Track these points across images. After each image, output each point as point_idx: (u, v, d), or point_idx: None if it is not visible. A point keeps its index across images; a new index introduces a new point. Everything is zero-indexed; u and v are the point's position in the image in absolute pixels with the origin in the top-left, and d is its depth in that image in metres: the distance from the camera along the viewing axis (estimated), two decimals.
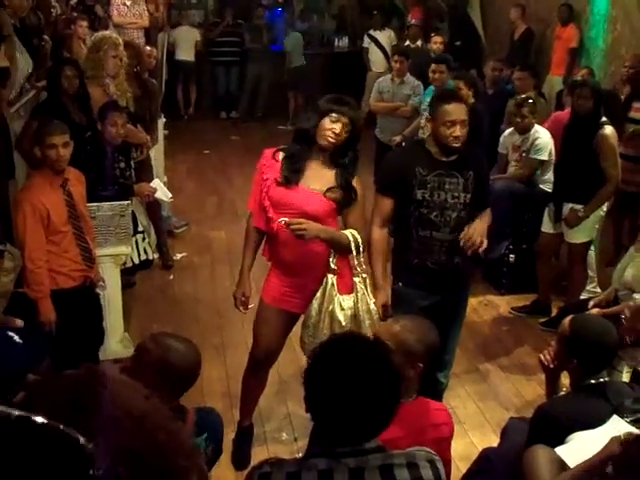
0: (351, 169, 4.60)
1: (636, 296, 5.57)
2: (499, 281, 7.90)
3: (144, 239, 7.30)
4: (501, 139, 7.98)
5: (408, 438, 3.02)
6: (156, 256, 8.02)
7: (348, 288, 4.58)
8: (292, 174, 4.53)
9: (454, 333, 5.03)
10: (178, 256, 8.45)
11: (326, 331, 4.51)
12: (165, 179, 9.36)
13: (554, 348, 3.93)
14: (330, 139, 4.47)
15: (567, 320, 3.83)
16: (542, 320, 7.14)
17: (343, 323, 4.52)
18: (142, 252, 7.27)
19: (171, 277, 8.03)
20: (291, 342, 5.28)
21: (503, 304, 7.62)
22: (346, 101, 4.55)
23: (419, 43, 12.27)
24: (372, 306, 4.62)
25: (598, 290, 6.85)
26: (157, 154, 9.07)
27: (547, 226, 7.13)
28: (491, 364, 6.52)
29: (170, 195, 7.62)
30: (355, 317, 4.56)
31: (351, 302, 4.55)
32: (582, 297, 6.70)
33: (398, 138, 8.65)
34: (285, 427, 5.49)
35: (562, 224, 6.93)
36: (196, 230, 9.26)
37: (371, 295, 4.65)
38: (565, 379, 3.97)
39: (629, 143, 7.76)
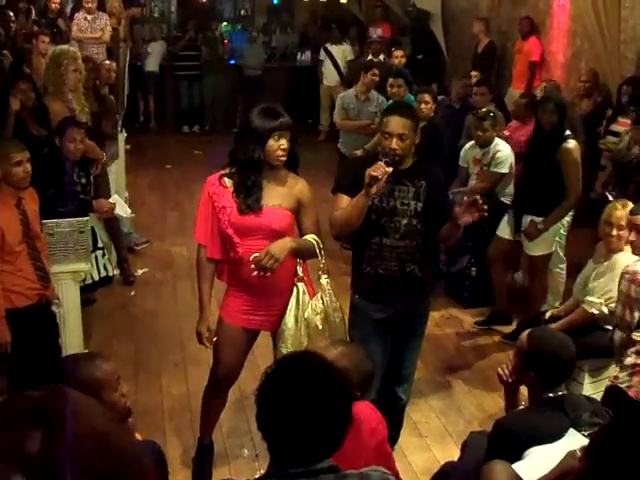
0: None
1: (589, 298, 5.63)
2: (461, 295, 7.92)
3: (104, 255, 7.25)
4: (462, 153, 8.01)
5: (353, 455, 2.98)
6: (117, 272, 7.98)
7: (312, 291, 4.62)
8: (254, 202, 4.48)
9: (412, 348, 5.00)
10: (139, 272, 8.38)
11: (304, 339, 4.51)
12: (126, 194, 9.31)
13: (512, 362, 3.94)
14: (282, 158, 4.47)
15: (525, 334, 3.84)
16: (504, 333, 7.16)
17: (320, 327, 4.53)
18: (102, 268, 7.23)
19: (132, 293, 7.96)
20: (253, 358, 5.26)
21: (466, 318, 7.63)
22: (278, 112, 4.48)
23: (382, 57, 12.30)
24: (337, 304, 4.63)
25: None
26: (118, 169, 9.01)
27: (504, 231, 7.15)
28: (454, 378, 6.52)
29: (129, 211, 7.57)
30: (327, 318, 4.57)
31: (321, 304, 4.56)
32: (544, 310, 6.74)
33: (359, 152, 8.65)
34: (246, 443, 5.45)
35: (521, 236, 6.96)
36: (158, 246, 9.19)
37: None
38: (525, 392, 3.98)
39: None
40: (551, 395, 3.64)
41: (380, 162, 4.40)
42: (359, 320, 4.79)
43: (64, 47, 7.98)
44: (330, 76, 14.46)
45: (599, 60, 9.42)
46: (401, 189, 4.64)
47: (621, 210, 5.60)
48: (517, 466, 3.26)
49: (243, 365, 4.95)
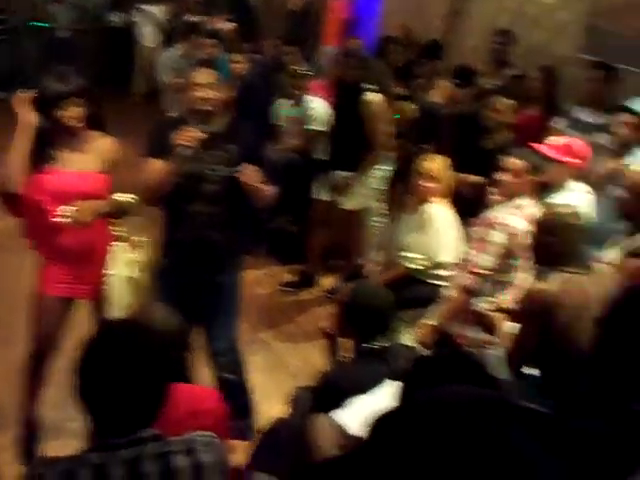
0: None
1: (407, 254, 5.76)
2: (281, 252, 7.97)
3: None
4: (276, 110, 8.03)
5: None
6: None
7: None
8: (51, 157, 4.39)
9: (221, 309, 4.94)
10: None
11: (129, 298, 4.51)
12: None
13: (334, 315, 4.01)
14: (77, 125, 4.38)
15: (344, 287, 3.91)
16: (327, 288, 7.27)
17: (143, 283, 4.59)
18: None
19: None
20: (72, 329, 5.12)
21: (287, 275, 7.70)
22: (65, 79, 4.32)
23: (205, 19, 12.10)
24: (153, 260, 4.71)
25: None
26: None
27: (319, 193, 7.23)
28: (277, 334, 6.60)
29: None
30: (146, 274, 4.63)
31: (133, 256, 4.60)
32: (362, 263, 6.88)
33: (175, 113, 8.50)
34: (71, 417, 5.31)
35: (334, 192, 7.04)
36: None
37: None
38: (348, 345, 4.05)
39: None
40: (372, 346, 3.73)
41: (191, 127, 4.39)
42: (162, 283, 4.73)
43: None
44: (148, 37, 14.10)
45: (411, 18, 9.61)
46: (212, 154, 4.59)
47: (429, 162, 5.76)
48: (336, 415, 3.30)
49: (63, 335, 4.83)
